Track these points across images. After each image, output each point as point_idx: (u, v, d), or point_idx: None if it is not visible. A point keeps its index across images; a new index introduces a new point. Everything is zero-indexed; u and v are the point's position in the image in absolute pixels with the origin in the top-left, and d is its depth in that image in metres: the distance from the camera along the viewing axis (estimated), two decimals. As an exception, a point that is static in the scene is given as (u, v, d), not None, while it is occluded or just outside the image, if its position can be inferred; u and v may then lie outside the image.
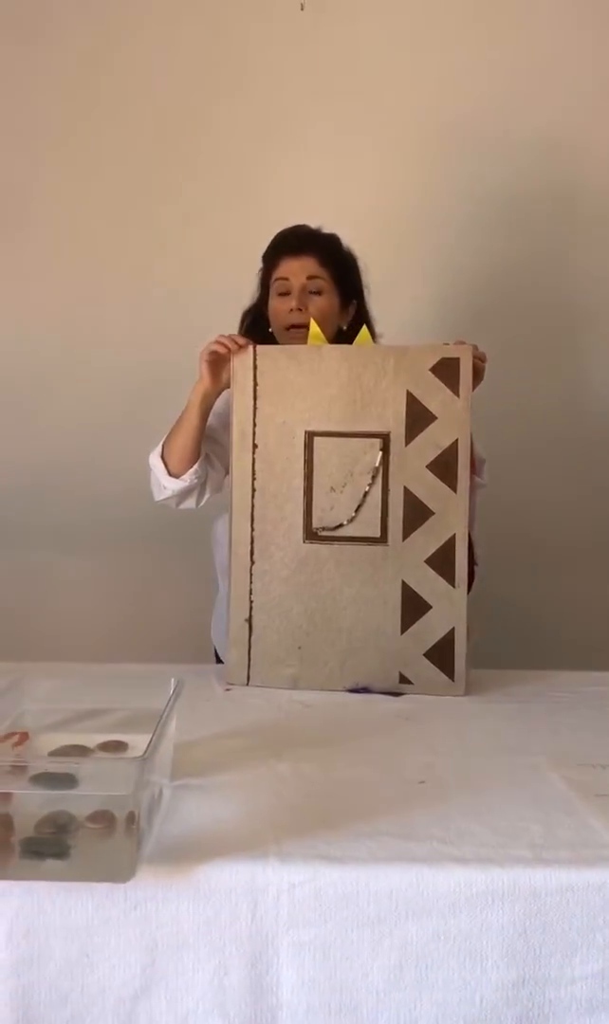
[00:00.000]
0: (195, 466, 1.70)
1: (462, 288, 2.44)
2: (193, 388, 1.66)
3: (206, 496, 1.76)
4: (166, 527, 2.39)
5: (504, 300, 2.45)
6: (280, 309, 1.78)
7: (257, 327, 1.81)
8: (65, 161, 2.46)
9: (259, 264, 1.86)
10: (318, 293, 1.77)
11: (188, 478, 1.70)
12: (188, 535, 2.34)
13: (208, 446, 1.73)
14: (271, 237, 2.33)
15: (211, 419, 1.71)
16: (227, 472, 1.68)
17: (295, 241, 1.80)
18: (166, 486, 1.72)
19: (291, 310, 1.76)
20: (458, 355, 1.56)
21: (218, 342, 1.62)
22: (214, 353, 1.62)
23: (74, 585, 2.46)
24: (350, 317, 1.84)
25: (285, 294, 1.78)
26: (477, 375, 1.59)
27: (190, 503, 1.76)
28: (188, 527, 2.33)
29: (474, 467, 1.74)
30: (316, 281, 1.77)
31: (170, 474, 1.71)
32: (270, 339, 1.79)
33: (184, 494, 1.74)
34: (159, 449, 1.72)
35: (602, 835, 1.00)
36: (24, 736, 1.09)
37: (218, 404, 1.70)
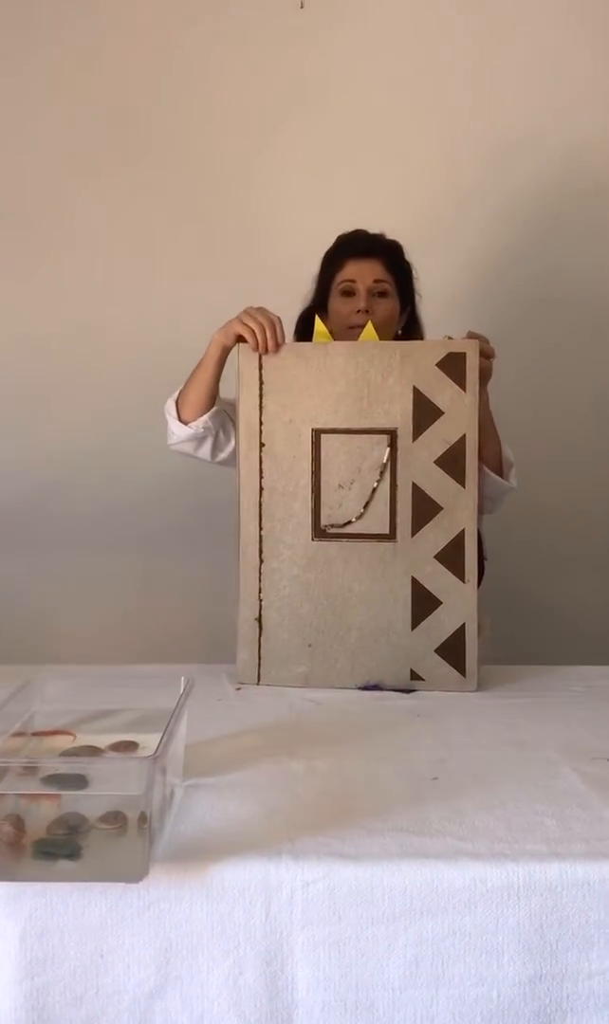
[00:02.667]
0: (205, 416, 1.70)
1: (481, 289, 2.44)
2: (212, 339, 1.63)
3: (221, 453, 1.75)
4: (174, 526, 2.40)
5: (524, 301, 2.44)
6: (344, 310, 1.79)
7: (311, 327, 1.80)
8: (68, 167, 2.46)
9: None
10: (383, 295, 1.80)
11: (196, 426, 1.70)
12: (197, 533, 2.35)
13: (230, 410, 1.72)
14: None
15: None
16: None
17: (363, 244, 1.83)
18: (174, 431, 1.73)
19: (357, 311, 1.76)
20: (465, 349, 1.56)
21: (248, 327, 1.57)
22: (240, 337, 1.60)
23: (83, 586, 2.46)
24: (404, 323, 1.86)
25: (350, 295, 1.79)
26: (485, 375, 1.58)
27: (204, 452, 1.75)
28: (198, 524, 2.34)
29: (503, 470, 1.74)
30: (381, 284, 1.80)
31: (181, 420, 1.71)
32: (332, 337, 1.79)
33: (196, 442, 1.73)
34: (175, 395, 1.73)
35: (617, 829, 0.99)
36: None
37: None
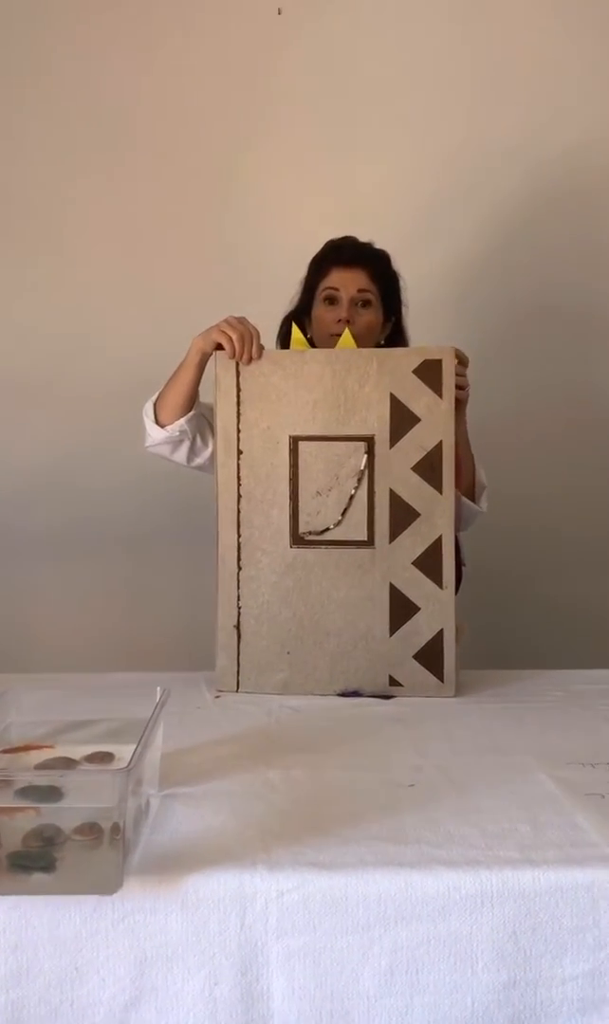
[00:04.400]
0: (182, 420, 1.69)
1: (469, 297, 2.45)
2: (192, 343, 1.63)
3: (197, 458, 1.75)
4: (154, 533, 2.40)
5: (511, 308, 2.46)
6: (327, 318, 1.80)
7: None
8: (53, 172, 2.46)
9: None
10: (366, 306, 1.80)
11: (172, 429, 1.70)
12: (177, 540, 2.35)
13: (209, 415, 1.73)
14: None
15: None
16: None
17: (349, 253, 1.83)
18: (151, 434, 1.73)
19: (339, 320, 1.77)
20: (440, 356, 1.56)
21: (227, 336, 1.58)
22: (218, 345, 1.60)
23: (63, 593, 2.45)
24: (388, 333, 1.86)
25: (333, 303, 1.80)
26: (461, 401, 1.59)
27: (180, 456, 1.75)
28: (178, 532, 2.34)
29: (474, 493, 1.75)
30: (365, 294, 1.80)
31: (158, 423, 1.71)
32: (309, 344, 1.79)
33: (172, 445, 1.73)
34: (154, 397, 1.72)
35: (590, 834, 1.00)
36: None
37: None
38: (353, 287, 1.79)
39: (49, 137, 2.46)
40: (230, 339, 1.57)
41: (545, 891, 0.92)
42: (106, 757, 1.08)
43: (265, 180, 2.44)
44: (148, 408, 1.73)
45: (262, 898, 0.91)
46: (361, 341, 1.72)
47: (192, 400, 1.69)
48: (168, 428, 1.70)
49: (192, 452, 1.74)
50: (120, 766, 0.98)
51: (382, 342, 1.85)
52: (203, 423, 1.73)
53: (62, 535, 2.43)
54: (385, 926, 0.91)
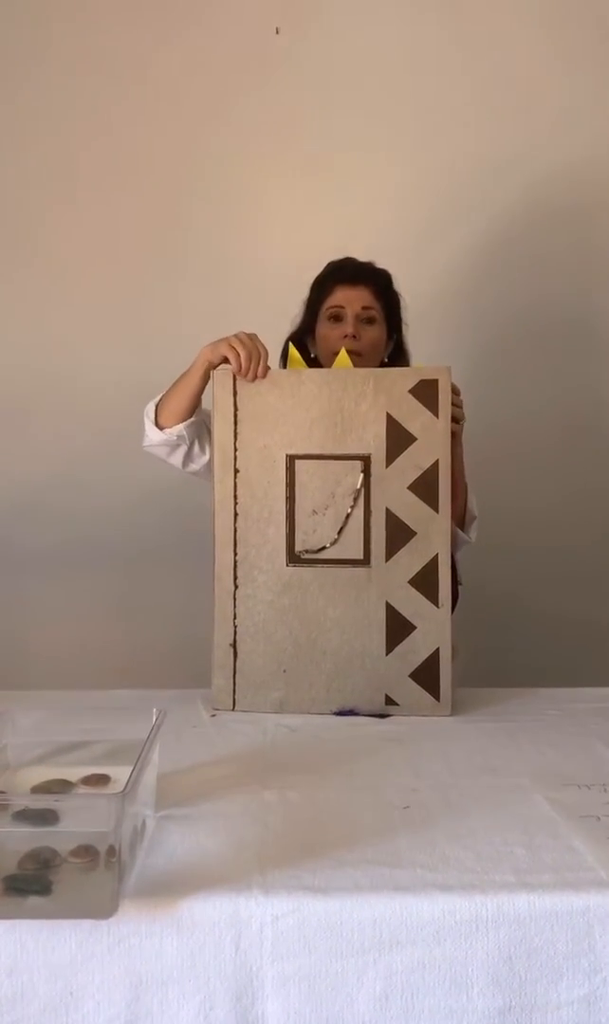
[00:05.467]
0: (181, 425, 1.70)
1: (463, 313, 2.45)
2: (201, 352, 1.64)
3: (193, 464, 1.75)
4: (151, 549, 2.40)
5: (509, 324, 2.47)
6: (331, 335, 1.80)
7: (299, 351, 1.82)
8: (51, 191, 2.47)
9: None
10: (370, 322, 1.81)
11: (170, 433, 1.71)
12: (174, 556, 2.35)
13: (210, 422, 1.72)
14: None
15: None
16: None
17: (352, 272, 1.85)
18: (149, 435, 1.73)
19: (345, 336, 1.78)
20: (436, 376, 1.57)
21: (236, 352, 1.58)
22: (225, 359, 1.61)
23: (60, 610, 2.45)
24: (390, 350, 1.88)
25: (338, 321, 1.81)
26: (455, 433, 1.60)
27: (176, 460, 1.75)
28: (174, 548, 2.35)
29: (465, 522, 1.76)
30: (369, 311, 1.81)
31: (158, 425, 1.72)
32: (314, 364, 1.82)
33: (169, 448, 1.73)
34: (157, 398, 1.73)
35: (585, 858, 1.00)
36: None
37: None
38: (358, 304, 1.81)
39: (44, 154, 2.47)
40: (238, 355, 1.58)
41: (540, 916, 0.92)
42: (102, 779, 1.08)
43: (262, 198, 2.45)
44: (149, 409, 1.73)
45: (257, 922, 0.92)
46: (368, 358, 1.74)
47: (194, 407, 1.70)
48: (167, 431, 1.71)
49: (188, 457, 1.75)
50: (116, 789, 0.98)
51: (386, 360, 1.86)
52: (203, 430, 1.73)
53: (59, 552, 2.43)
54: (380, 950, 0.91)
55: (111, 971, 0.90)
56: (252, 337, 1.61)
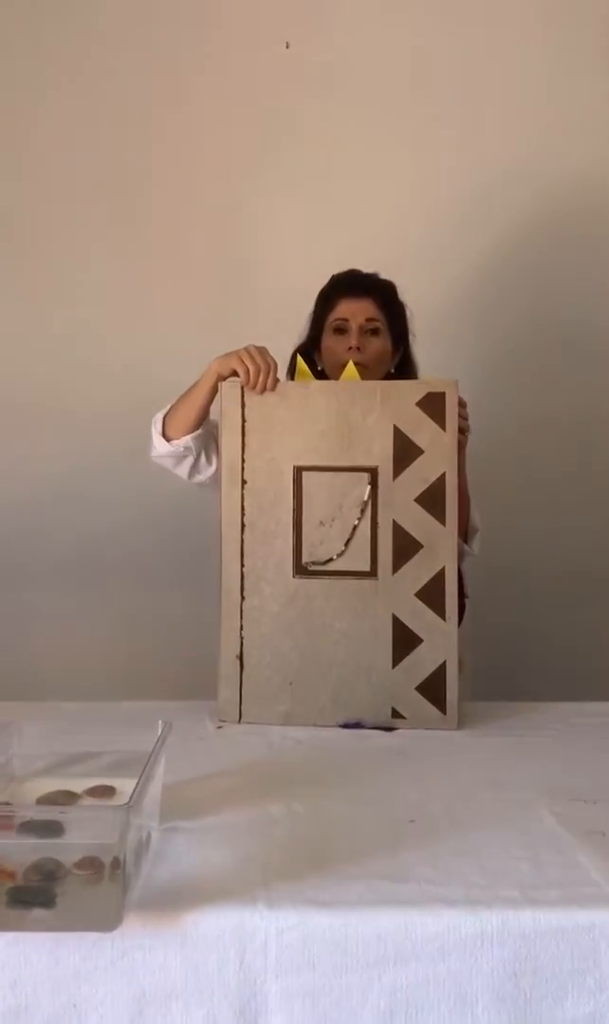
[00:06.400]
0: (188, 437, 1.71)
1: (468, 324, 2.46)
2: (210, 365, 1.64)
3: (199, 475, 1.76)
4: (157, 561, 2.40)
5: (515, 335, 2.48)
6: (337, 348, 1.81)
7: (306, 363, 1.82)
8: (58, 203, 2.49)
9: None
10: (375, 334, 1.82)
11: (177, 445, 1.71)
12: (180, 568, 2.36)
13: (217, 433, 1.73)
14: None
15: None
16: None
17: (357, 284, 1.86)
18: (156, 446, 1.74)
19: (349, 348, 1.78)
20: (444, 389, 1.57)
21: (245, 366, 1.59)
22: (235, 372, 1.61)
23: (67, 621, 2.46)
24: (396, 362, 1.88)
25: (343, 333, 1.82)
26: (461, 445, 1.60)
27: (182, 471, 1.76)
28: (181, 560, 2.35)
29: (468, 535, 1.76)
30: (373, 323, 1.82)
31: (165, 436, 1.72)
32: (321, 376, 1.82)
33: (175, 459, 1.74)
34: (165, 409, 1.74)
35: (590, 874, 0.99)
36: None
37: None
38: (362, 316, 1.81)
39: (48, 165, 2.49)
40: (247, 368, 1.59)
41: (546, 932, 0.92)
42: (107, 791, 1.08)
43: (269, 211, 2.46)
44: (157, 419, 1.74)
45: (262, 936, 0.91)
46: (373, 370, 1.74)
47: (201, 419, 1.70)
48: (173, 443, 1.72)
49: (194, 469, 1.76)
50: (121, 801, 0.98)
51: (392, 371, 1.86)
52: (209, 441, 1.74)
53: (65, 564, 2.43)
54: (385, 966, 0.91)
55: (115, 984, 0.90)
56: (262, 350, 1.61)
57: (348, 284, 1.86)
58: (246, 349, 1.61)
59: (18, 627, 2.43)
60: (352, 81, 2.46)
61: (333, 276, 1.89)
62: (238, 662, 1.59)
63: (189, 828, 1.11)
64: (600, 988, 0.91)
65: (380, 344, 1.82)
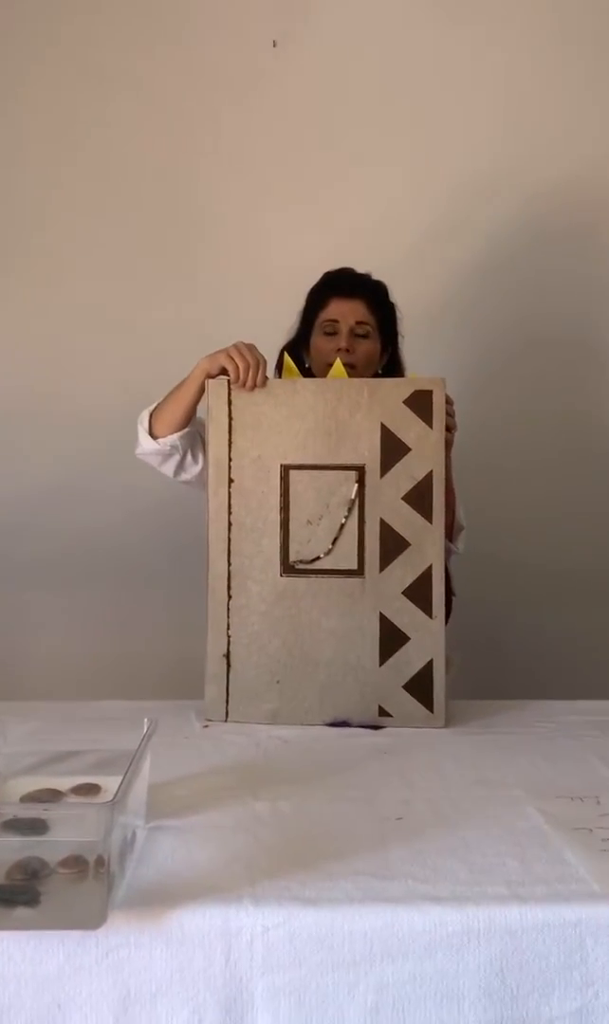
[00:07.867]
0: (175, 435, 1.70)
1: (459, 326, 2.46)
2: (198, 363, 1.64)
3: (184, 474, 1.76)
4: (145, 561, 2.39)
5: (505, 337, 2.47)
6: (325, 348, 1.81)
7: (294, 361, 1.82)
8: (51, 202, 2.48)
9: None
10: (364, 336, 1.81)
11: (164, 443, 1.71)
12: (167, 567, 2.35)
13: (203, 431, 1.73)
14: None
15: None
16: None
17: (347, 284, 1.85)
18: (141, 443, 1.73)
19: (338, 350, 1.78)
20: (431, 387, 1.57)
21: (234, 362, 1.59)
22: (223, 369, 1.61)
23: (53, 620, 2.45)
24: (384, 362, 1.88)
25: (332, 334, 1.81)
26: (448, 443, 1.60)
27: (168, 469, 1.75)
28: (168, 559, 2.34)
29: (453, 534, 1.76)
30: (363, 326, 1.81)
31: (151, 434, 1.71)
32: (308, 374, 1.81)
33: (161, 457, 1.74)
34: (152, 407, 1.73)
35: (577, 870, 0.99)
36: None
37: None
38: (352, 318, 1.81)
39: (42, 165, 2.48)
40: (236, 365, 1.58)
41: (532, 928, 0.92)
42: (92, 789, 1.07)
43: (259, 210, 2.45)
44: (144, 417, 1.73)
45: (247, 933, 0.91)
46: (361, 371, 1.73)
47: (189, 417, 1.70)
48: (160, 441, 1.71)
49: (180, 467, 1.75)
50: (106, 798, 0.97)
51: (380, 371, 1.86)
52: (196, 440, 1.73)
53: (52, 563, 2.42)
54: (371, 963, 0.91)
55: (99, 983, 0.89)
56: (250, 347, 1.61)
57: (340, 284, 1.85)
58: (235, 346, 1.60)
59: (4, 625, 2.42)
60: (340, 80, 2.46)
61: (325, 274, 1.88)
62: (225, 661, 1.59)
63: (175, 826, 1.10)
64: (587, 984, 0.91)
65: (369, 346, 1.82)
